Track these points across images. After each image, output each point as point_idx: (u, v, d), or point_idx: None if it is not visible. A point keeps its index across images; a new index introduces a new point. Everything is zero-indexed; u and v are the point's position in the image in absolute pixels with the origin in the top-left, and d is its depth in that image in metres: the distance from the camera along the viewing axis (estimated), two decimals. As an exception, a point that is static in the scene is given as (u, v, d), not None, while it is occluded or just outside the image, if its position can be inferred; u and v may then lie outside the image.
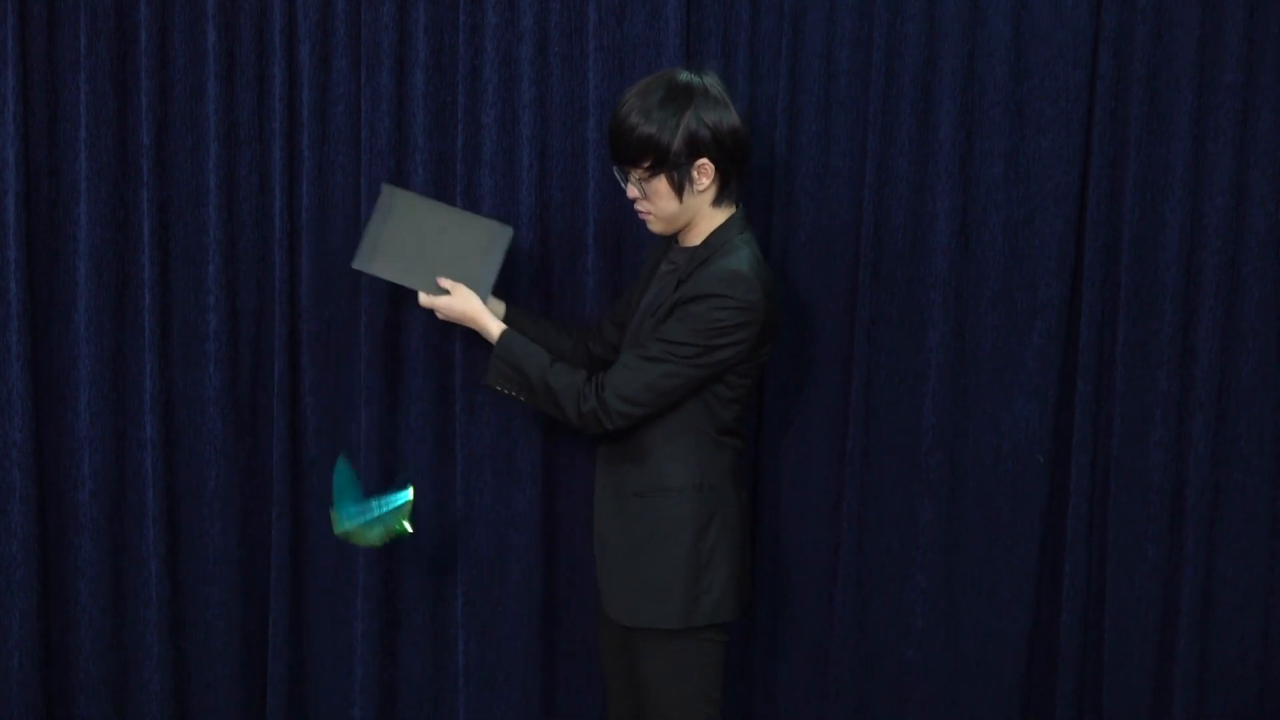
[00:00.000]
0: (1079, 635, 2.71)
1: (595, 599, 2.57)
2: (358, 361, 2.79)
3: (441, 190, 2.73)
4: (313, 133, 2.73)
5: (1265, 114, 2.54)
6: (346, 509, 2.51)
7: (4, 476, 2.82)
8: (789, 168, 2.65)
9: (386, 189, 2.56)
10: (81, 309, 2.80)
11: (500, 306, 2.57)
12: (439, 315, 2.51)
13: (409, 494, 2.50)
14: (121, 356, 2.83)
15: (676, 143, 2.27)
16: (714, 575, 2.37)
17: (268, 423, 2.84)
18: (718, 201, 2.35)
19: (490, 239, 2.52)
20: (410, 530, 2.49)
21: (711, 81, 2.32)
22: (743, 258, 2.31)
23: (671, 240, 2.44)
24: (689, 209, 2.34)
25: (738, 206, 2.38)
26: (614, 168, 2.37)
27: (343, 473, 2.53)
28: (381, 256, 2.53)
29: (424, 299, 2.51)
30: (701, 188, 2.32)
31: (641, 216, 2.39)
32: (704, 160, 2.29)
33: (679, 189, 2.31)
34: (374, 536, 2.51)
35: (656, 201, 2.33)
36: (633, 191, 2.36)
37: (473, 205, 2.70)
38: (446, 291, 2.49)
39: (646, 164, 2.29)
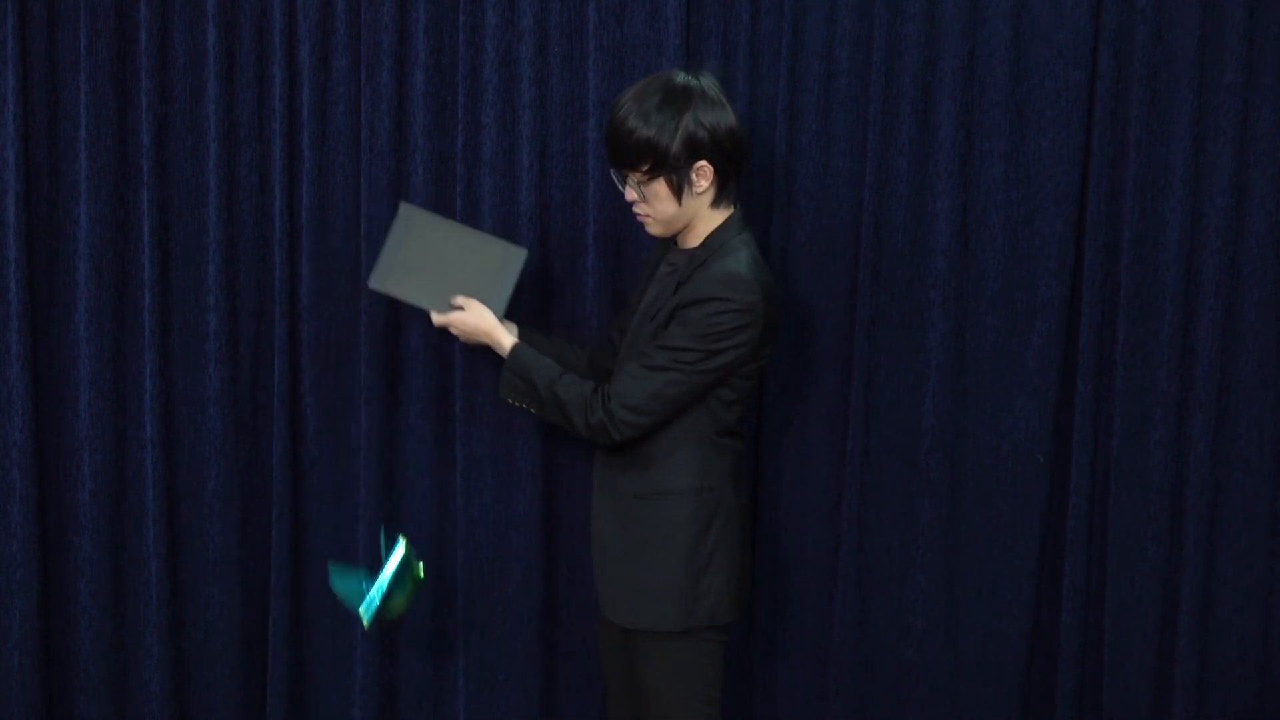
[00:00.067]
0: (1079, 635, 2.71)
1: (595, 599, 2.57)
2: (358, 361, 2.79)
3: (441, 190, 2.73)
4: (313, 133, 2.73)
5: (1265, 114, 2.54)
6: (362, 603, 2.50)
7: (4, 476, 2.82)
8: (789, 168, 2.65)
9: (404, 208, 2.57)
10: (81, 309, 2.80)
11: (513, 329, 2.56)
12: (453, 332, 2.51)
13: (401, 545, 2.50)
14: (121, 356, 2.83)
15: (675, 145, 2.26)
16: (713, 577, 2.37)
17: (268, 423, 2.84)
18: (716, 203, 2.35)
19: (504, 260, 2.52)
20: (423, 575, 2.50)
21: (708, 83, 2.31)
22: (741, 259, 2.31)
23: (671, 241, 2.44)
24: (688, 211, 2.34)
25: (736, 207, 2.38)
26: (611, 170, 2.36)
27: (337, 577, 2.53)
28: (396, 276, 2.54)
29: (437, 317, 2.50)
30: (700, 190, 2.32)
31: (640, 219, 2.39)
32: (702, 162, 2.29)
33: (678, 191, 2.31)
34: (400, 603, 2.51)
35: (655, 204, 2.33)
36: (631, 194, 2.36)
37: (473, 205, 2.71)
38: (460, 309, 2.49)
39: (645, 167, 2.29)
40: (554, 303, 2.74)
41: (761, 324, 2.29)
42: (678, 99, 2.27)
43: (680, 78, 2.30)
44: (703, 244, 2.35)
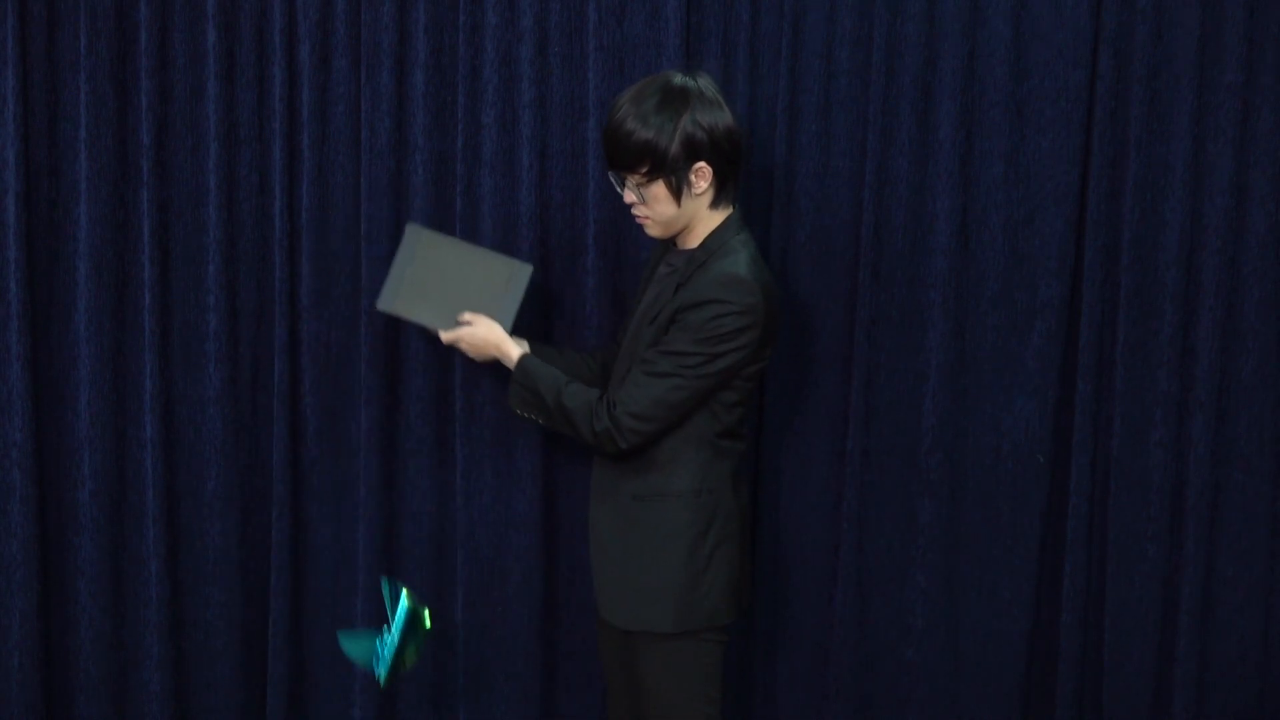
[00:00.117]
0: (1079, 635, 2.71)
1: (595, 600, 2.56)
2: (358, 361, 2.79)
3: (441, 190, 2.73)
4: (313, 133, 2.73)
5: (1265, 114, 2.54)
6: (378, 662, 2.50)
7: (4, 476, 2.82)
8: (789, 168, 2.65)
9: (410, 229, 2.57)
10: (81, 309, 2.80)
11: (524, 344, 2.55)
12: (463, 348, 2.51)
13: (405, 598, 2.50)
14: (121, 356, 2.83)
15: (674, 147, 2.26)
16: (712, 578, 2.36)
17: (268, 423, 2.85)
18: (715, 204, 2.35)
19: (510, 276, 2.53)
20: (430, 624, 2.51)
21: (705, 83, 2.31)
22: (740, 260, 2.30)
23: (670, 242, 2.43)
24: (687, 212, 2.33)
25: (734, 207, 2.38)
26: (610, 173, 2.36)
27: (348, 642, 2.54)
28: (405, 296, 2.54)
29: (446, 335, 2.50)
30: (699, 191, 2.31)
31: (639, 221, 2.38)
32: (701, 163, 2.28)
33: (677, 193, 2.30)
34: (411, 655, 2.52)
35: (654, 206, 2.33)
36: (630, 196, 2.35)
37: (473, 205, 2.71)
38: (468, 325, 2.49)
39: (644, 169, 2.28)
40: (554, 302, 2.74)
41: (762, 325, 2.29)
42: (675, 100, 2.27)
43: (677, 79, 2.30)
44: (701, 245, 2.35)
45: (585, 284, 2.70)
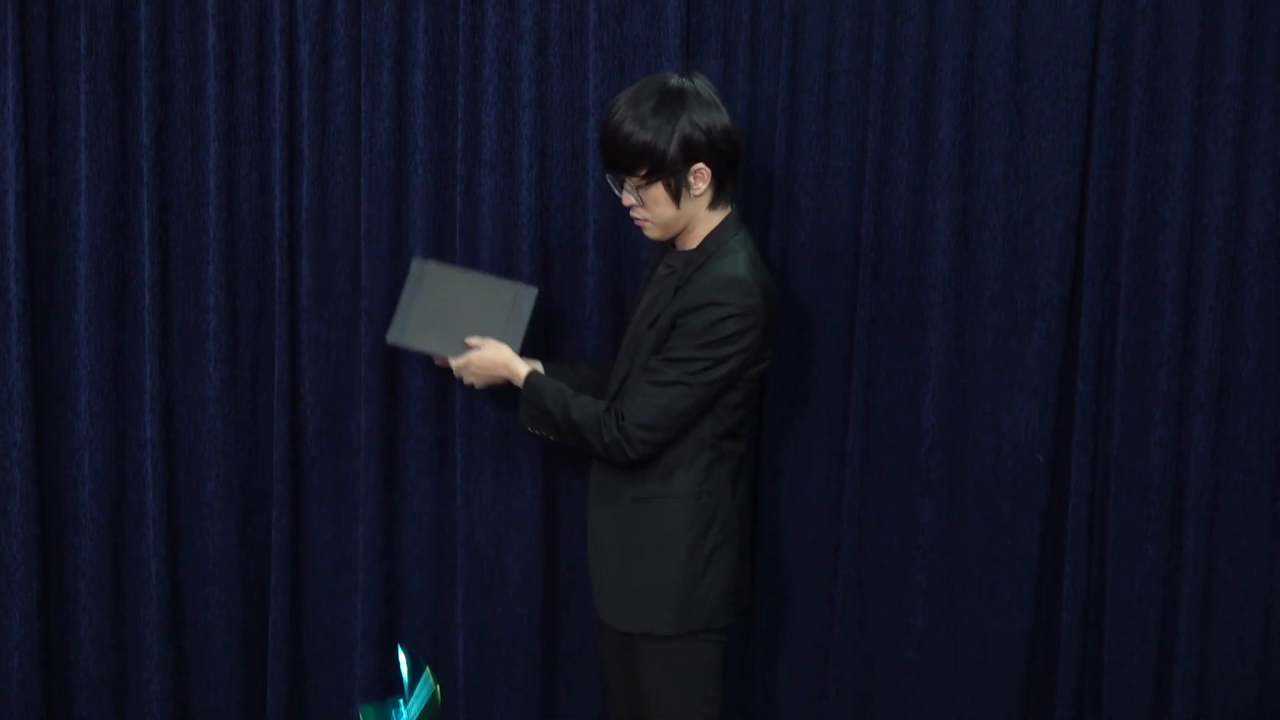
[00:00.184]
0: (1079, 635, 2.71)
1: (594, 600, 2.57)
2: (358, 361, 2.79)
3: (441, 190, 2.73)
4: (313, 133, 2.74)
5: (1265, 114, 2.54)
6: None
7: (4, 476, 2.83)
8: (789, 168, 2.65)
9: (416, 263, 2.59)
10: (81, 309, 2.80)
11: (536, 364, 2.56)
12: (473, 371, 2.49)
13: (428, 680, 2.50)
14: (121, 356, 2.83)
15: (672, 149, 2.25)
16: (711, 580, 2.36)
17: (268, 423, 2.85)
18: (714, 204, 2.34)
19: (516, 299, 2.54)
20: (440, 698, 2.51)
21: (702, 84, 2.30)
22: (739, 261, 2.30)
23: (669, 243, 2.43)
24: (686, 214, 2.33)
25: (732, 207, 2.38)
26: (608, 176, 2.35)
27: (369, 713, 2.53)
28: (413, 328, 2.55)
29: (456, 361, 2.50)
30: (698, 192, 2.31)
31: (638, 223, 2.38)
32: (700, 165, 2.28)
33: (675, 195, 2.30)
34: None
35: (653, 208, 2.32)
36: (628, 199, 2.34)
37: (473, 205, 2.71)
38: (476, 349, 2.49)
39: (642, 172, 2.27)
40: (554, 303, 2.74)
41: (763, 325, 2.29)
42: (672, 102, 2.26)
43: (674, 80, 2.29)
44: (700, 246, 2.35)
45: (585, 284, 2.70)
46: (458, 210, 2.71)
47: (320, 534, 2.87)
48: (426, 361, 2.74)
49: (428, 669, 2.46)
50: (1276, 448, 2.63)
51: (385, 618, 2.85)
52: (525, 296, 2.54)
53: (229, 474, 2.84)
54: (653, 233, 2.37)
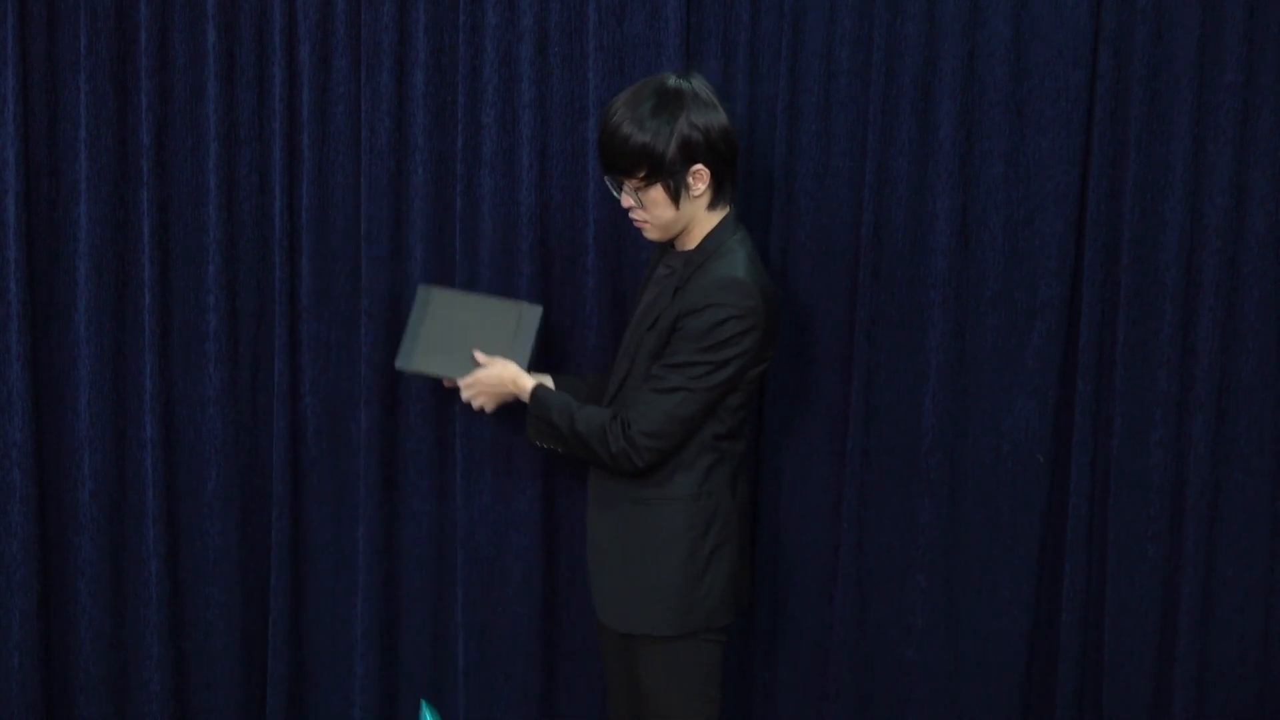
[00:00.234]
0: (1079, 635, 2.70)
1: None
2: (358, 361, 2.79)
3: (441, 190, 2.73)
4: (313, 133, 2.74)
5: (1265, 114, 2.54)
6: None
7: (4, 476, 2.83)
8: (789, 168, 2.65)
9: (422, 289, 2.59)
10: (81, 309, 2.80)
11: (546, 379, 2.56)
12: (481, 389, 2.48)
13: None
14: (121, 356, 2.83)
15: (671, 150, 2.25)
16: (711, 580, 2.36)
17: (268, 423, 2.85)
18: (712, 204, 2.34)
19: (522, 319, 2.53)
20: None
21: (699, 84, 2.30)
22: (737, 261, 2.29)
23: (668, 244, 2.43)
24: (685, 215, 2.32)
25: (731, 207, 2.37)
26: (606, 178, 2.35)
27: None
28: (421, 354, 2.55)
29: (464, 381, 2.49)
30: (697, 193, 2.30)
31: (637, 225, 2.38)
32: (699, 166, 2.27)
33: (675, 196, 2.29)
34: None
35: (652, 210, 2.32)
36: (627, 201, 2.34)
37: (473, 205, 2.71)
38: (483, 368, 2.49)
39: (641, 174, 2.27)
40: (554, 303, 2.74)
41: (763, 326, 2.29)
42: (671, 103, 2.25)
43: (671, 81, 2.29)
44: (698, 246, 2.34)
45: (585, 284, 2.70)
46: (458, 210, 2.71)
47: (320, 534, 2.87)
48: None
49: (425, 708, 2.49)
50: (1276, 448, 2.63)
51: (385, 618, 2.85)
52: (530, 315, 2.54)
53: (229, 474, 2.84)
54: (652, 234, 2.37)
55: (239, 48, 2.73)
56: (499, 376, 2.46)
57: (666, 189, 2.28)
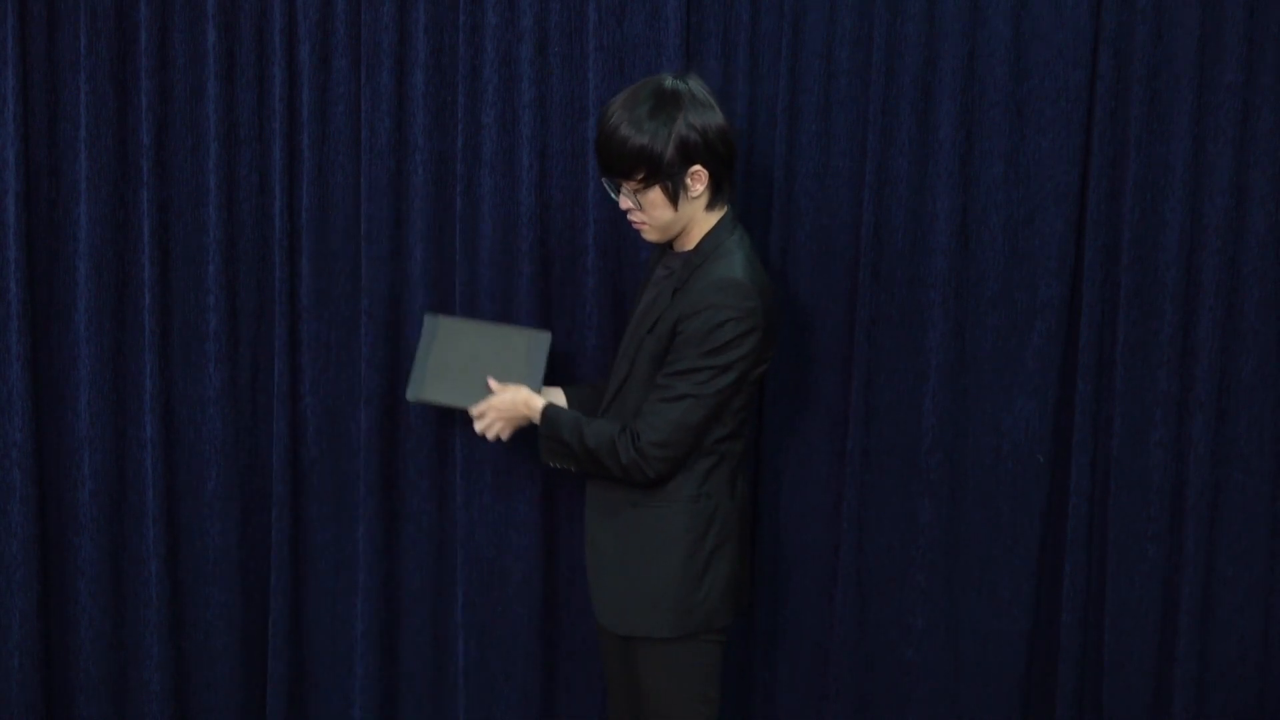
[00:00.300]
0: (1079, 635, 2.71)
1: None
2: (358, 361, 2.79)
3: (441, 190, 2.73)
4: (313, 133, 2.74)
5: (1265, 114, 2.54)
6: None
7: (4, 476, 2.83)
8: (789, 168, 2.65)
9: (428, 318, 2.58)
10: (81, 309, 2.80)
11: (557, 392, 2.57)
12: (494, 414, 2.47)
13: None
14: (121, 356, 2.83)
15: (669, 152, 2.24)
16: (710, 582, 2.36)
17: (268, 423, 2.85)
18: (711, 205, 2.34)
19: (530, 345, 2.53)
20: None
21: (696, 84, 2.29)
22: (736, 262, 2.29)
23: (667, 245, 2.43)
24: (684, 216, 2.32)
25: (729, 207, 2.37)
26: (604, 180, 2.35)
27: None
28: (431, 383, 2.54)
29: (476, 409, 2.49)
30: (695, 194, 2.30)
31: (636, 227, 2.37)
32: (697, 167, 2.27)
33: (673, 198, 2.29)
34: None
35: (651, 212, 2.31)
36: (625, 203, 2.33)
37: (473, 205, 2.71)
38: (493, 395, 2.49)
39: (640, 176, 2.26)
40: (554, 303, 2.74)
41: (762, 327, 2.29)
42: (668, 104, 2.25)
43: (668, 82, 2.28)
44: (697, 248, 2.34)
45: (585, 284, 2.70)
46: (458, 210, 2.71)
47: (320, 534, 2.87)
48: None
49: None
50: (1276, 448, 2.63)
51: (385, 618, 2.85)
52: (539, 341, 2.54)
53: (229, 474, 2.84)
54: (651, 235, 2.36)
55: (239, 48, 2.73)
56: (511, 401, 2.46)
57: (665, 190, 2.28)
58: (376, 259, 2.74)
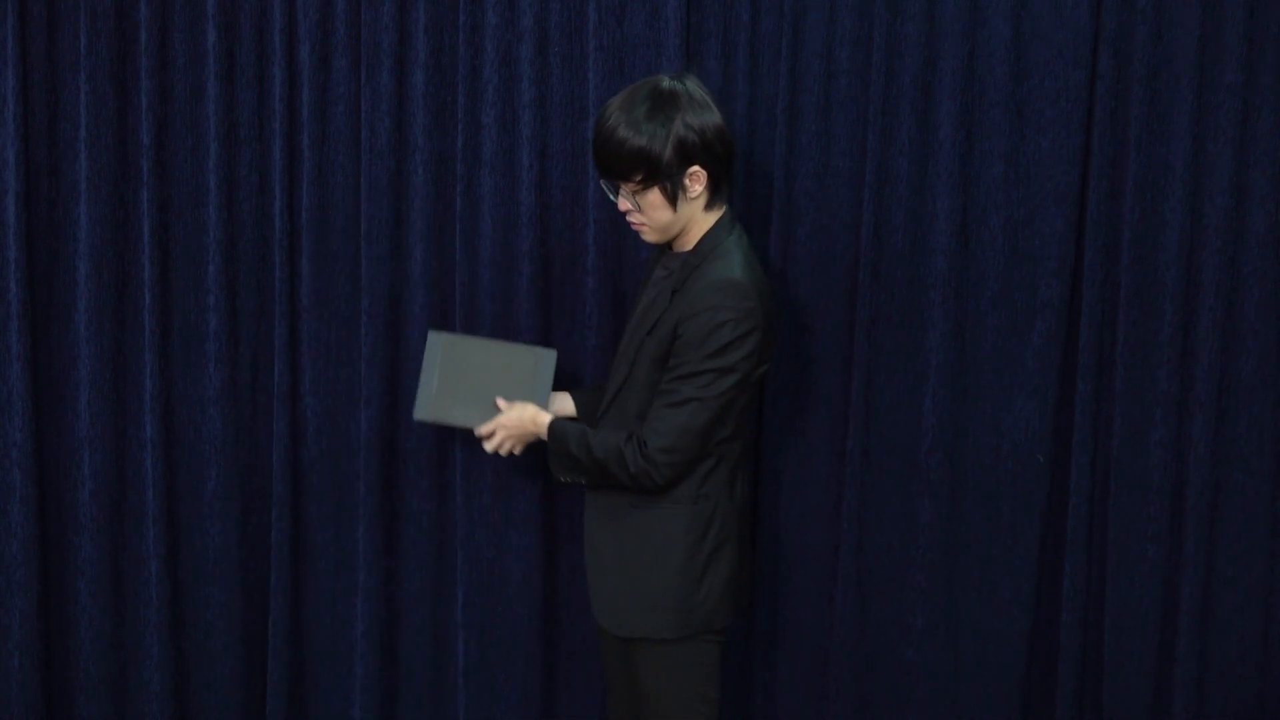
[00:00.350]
0: (1079, 635, 2.71)
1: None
2: (358, 361, 2.79)
3: (441, 190, 2.73)
4: (313, 133, 2.74)
5: (1265, 114, 2.54)
6: None
7: (4, 476, 2.83)
8: (789, 168, 2.65)
9: (432, 336, 2.57)
10: (81, 309, 2.80)
11: (565, 399, 2.57)
12: (504, 433, 2.47)
13: None
14: (121, 356, 2.83)
15: (667, 153, 2.24)
16: (710, 583, 2.36)
17: (268, 423, 2.85)
18: (709, 205, 2.33)
19: (536, 364, 2.53)
20: None
21: (693, 85, 2.29)
22: (734, 262, 2.29)
23: (666, 245, 2.42)
24: (683, 217, 2.32)
25: (727, 207, 2.37)
26: (602, 182, 2.34)
27: None
28: (438, 404, 2.54)
29: (484, 428, 2.49)
30: (694, 194, 2.29)
31: (635, 228, 2.37)
32: (696, 167, 2.26)
33: (672, 199, 2.28)
34: None
35: (650, 213, 2.31)
36: (624, 204, 2.33)
37: (473, 205, 2.71)
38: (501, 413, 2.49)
39: (639, 177, 2.26)
40: (554, 303, 2.74)
41: (762, 327, 2.28)
42: (666, 105, 2.24)
43: (665, 82, 2.28)
44: (695, 248, 2.34)
45: (585, 284, 2.70)
46: (458, 210, 2.71)
47: (320, 534, 2.87)
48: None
49: None
50: (1276, 448, 2.63)
51: (385, 618, 2.85)
52: (545, 359, 2.53)
53: (229, 474, 2.84)
54: (650, 236, 2.36)
55: (239, 48, 2.73)
56: (519, 419, 2.46)
57: (664, 192, 2.28)
58: (376, 259, 2.74)
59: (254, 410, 2.86)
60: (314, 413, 2.82)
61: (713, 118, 2.27)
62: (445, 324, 2.75)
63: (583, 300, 2.71)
